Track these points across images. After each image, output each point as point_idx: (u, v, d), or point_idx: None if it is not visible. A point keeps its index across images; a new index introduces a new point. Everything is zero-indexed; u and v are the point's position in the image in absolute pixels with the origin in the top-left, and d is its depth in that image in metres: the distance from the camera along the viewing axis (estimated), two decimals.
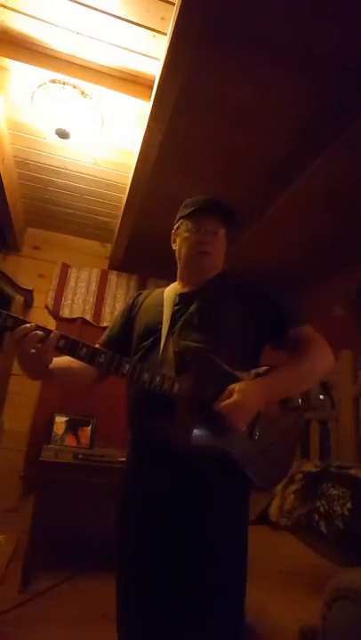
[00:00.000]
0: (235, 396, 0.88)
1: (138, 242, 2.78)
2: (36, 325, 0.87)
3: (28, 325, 0.86)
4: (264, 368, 1.03)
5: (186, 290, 1.13)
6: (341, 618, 1.09)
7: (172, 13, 1.34)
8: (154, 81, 1.60)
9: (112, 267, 3.20)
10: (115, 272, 3.21)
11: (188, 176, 2.15)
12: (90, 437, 2.70)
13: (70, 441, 2.66)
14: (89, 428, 2.73)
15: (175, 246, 1.20)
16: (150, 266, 3.19)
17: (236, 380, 0.94)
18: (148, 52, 1.56)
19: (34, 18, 1.49)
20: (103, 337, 1.23)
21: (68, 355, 0.90)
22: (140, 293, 1.27)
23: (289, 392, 1.04)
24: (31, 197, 2.70)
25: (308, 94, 1.58)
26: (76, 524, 2.44)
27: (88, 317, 3.05)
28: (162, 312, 1.09)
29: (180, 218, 1.17)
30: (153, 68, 1.61)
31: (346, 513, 1.76)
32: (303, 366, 1.02)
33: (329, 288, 2.99)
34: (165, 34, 1.45)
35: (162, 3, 1.36)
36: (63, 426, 2.69)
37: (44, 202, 2.75)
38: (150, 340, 1.06)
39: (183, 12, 1.19)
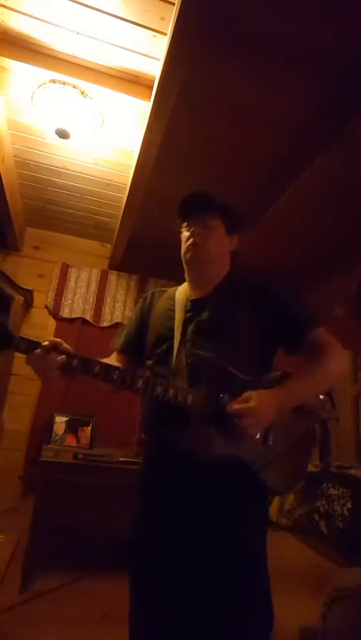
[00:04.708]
0: (250, 403, 0.88)
1: (138, 242, 2.78)
2: (45, 350, 0.90)
3: (39, 352, 0.90)
4: (278, 373, 1.04)
5: (197, 295, 1.12)
6: (341, 618, 1.09)
7: (172, 13, 1.34)
8: (154, 81, 1.59)
9: (112, 267, 3.20)
10: (115, 272, 3.21)
11: (187, 176, 2.15)
12: (90, 437, 2.70)
13: (70, 441, 2.65)
14: (89, 427, 2.72)
15: None
16: (150, 266, 3.19)
17: (250, 387, 0.94)
18: (148, 52, 1.56)
19: (34, 18, 1.48)
20: (120, 342, 1.23)
21: (82, 374, 0.93)
22: (153, 294, 1.26)
23: (303, 400, 1.04)
24: (31, 197, 2.70)
25: (309, 94, 1.58)
26: (76, 524, 2.44)
27: (88, 317, 3.05)
28: (174, 318, 1.09)
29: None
30: (153, 68, 1.61)
31: (346, 513, 1.76)
32: (318, 374, 1.02)
33: (329, 288, 2.99)
34: (165, 34, 1.45)
35: (162, 3, 1.36)
36: (63, 426, 2.68)
37: (44, 202, 2.75)
38: (163, 347, 1.07)
39: (183, 12, 1.19)
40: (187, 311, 1.10)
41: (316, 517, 1.90)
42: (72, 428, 2.70)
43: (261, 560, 0.97)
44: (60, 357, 0.90)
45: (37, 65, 1.62)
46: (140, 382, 0.93)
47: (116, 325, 3.07)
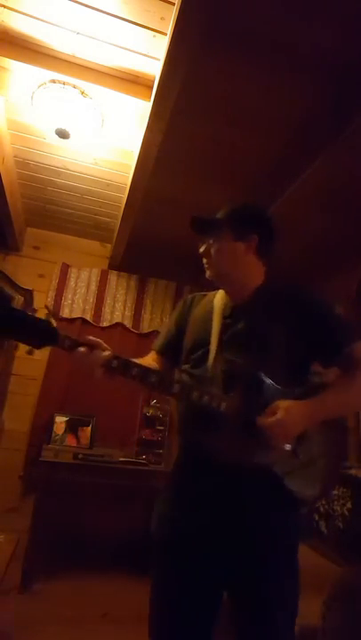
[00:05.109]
0: (278, 414, 0.89)
1: (138, 242, 2.78)
2: (87, 348, 0.97)
3: (83, 350, 0.97)
4: (313, 384, 1.04)
5: (234, 301, 1.13)
6: (341, 618, 1.09)
7: (172, 13, 1.34)
8: (154, 81, 1.60)
9: (112, 267, 3.19)
10: (115, 272, 3.21)
11: (187, 176, 2.15)
12: (90, 437, 2.70)
13: (70, 441, 2.66)
14: (89, 427, 2.73)
15: None
16: (150, 266, 3.19)
17: (283, 397, 0.95)
18: (148, 52, 1.56)
19: (34, 18, 1.48)
20: (160, 343, 1.24)
21: (121, 375, 0.97)
22: (193, 298, 1.26)
23: (335, 415, 1.04)
24: (31, 197, 2.70)
25: (308, 94, 1.58)
26: (76, 524, 2.44)
27: (88, 317, 3.05)
28: (211, 323, 1.10)
29: None
30: (153, 68, 1.61)
31: (346, 513, 1.76)
32: (352, 390, 1.01)
33: (329, 288, 2.99)
34: (165, 34, 1.45)
35: (162, 3, 1.36)
36: (63, 426, 2.69)
37: (44, 202, 2.75)
38: (200, 352, 1.08)
39: (183, 12, 1.19)
40: (225, 317, 1.10)
41: (316, 517, 1.90)
42: (72, 427, 2.70)
43: (292, 568, 0.97)
44: (103, 355, 0.96)
45: (37, 65, 1.62)
46: (177, 387, 0.97)
47: (116, 325, 3.07)
